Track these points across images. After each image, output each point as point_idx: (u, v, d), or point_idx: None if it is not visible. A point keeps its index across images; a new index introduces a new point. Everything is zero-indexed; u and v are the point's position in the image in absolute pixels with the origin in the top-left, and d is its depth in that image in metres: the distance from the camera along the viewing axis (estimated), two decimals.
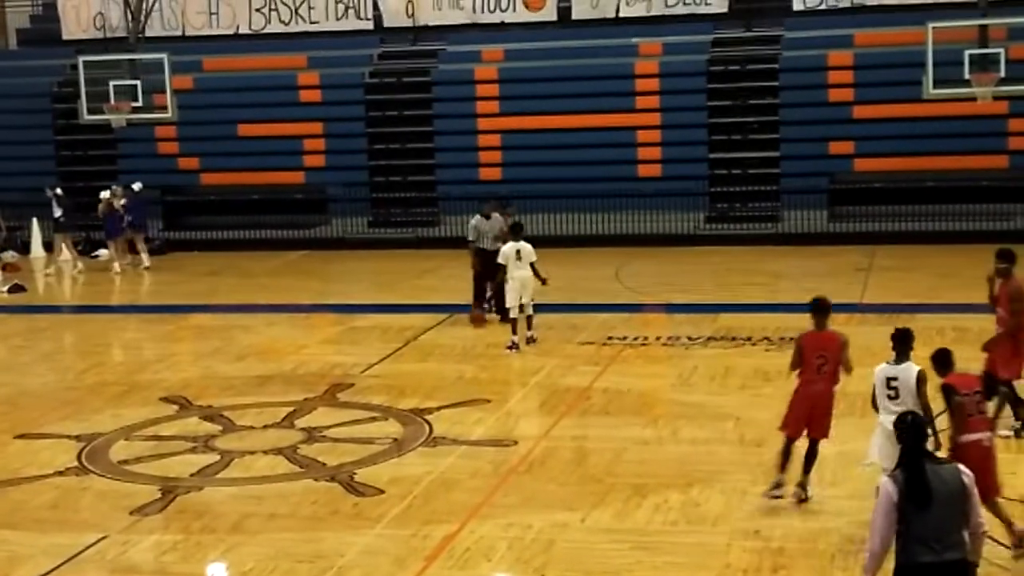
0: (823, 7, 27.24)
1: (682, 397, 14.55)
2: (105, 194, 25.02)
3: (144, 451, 13.21)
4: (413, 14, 28.80)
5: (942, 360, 9.85)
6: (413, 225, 26.61)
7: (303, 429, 13.72)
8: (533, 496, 11.41)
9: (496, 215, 18.85)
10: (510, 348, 16.61)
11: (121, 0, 26.63)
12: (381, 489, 11.65)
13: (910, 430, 7.21)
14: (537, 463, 12.36)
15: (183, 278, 24.33)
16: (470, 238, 18.76)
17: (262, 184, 27.78)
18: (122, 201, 24.83)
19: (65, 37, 29.69)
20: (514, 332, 16.74)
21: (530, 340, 16.88)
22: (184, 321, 20.29)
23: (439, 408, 14.26)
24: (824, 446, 11.14)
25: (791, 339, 16.64)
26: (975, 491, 7.15)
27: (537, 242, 17.53)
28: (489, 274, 18.02)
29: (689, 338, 17.31)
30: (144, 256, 25.19)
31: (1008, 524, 9.52)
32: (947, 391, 9.55)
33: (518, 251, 16.83)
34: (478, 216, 18.86)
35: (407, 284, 21.90)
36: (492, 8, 28.61)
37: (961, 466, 7.26)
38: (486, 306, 18.48)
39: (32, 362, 17.77)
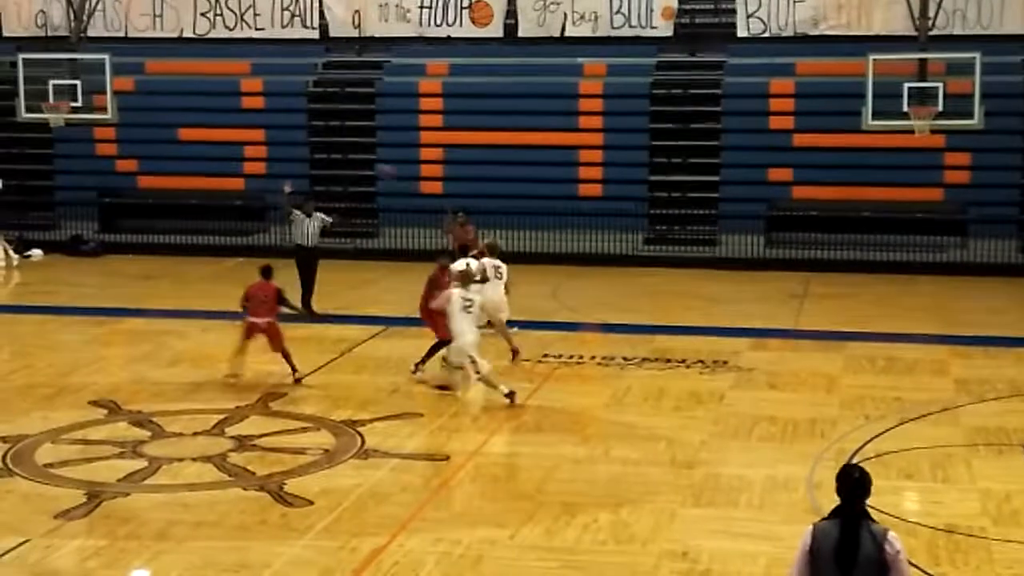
0: (767, 35, 27.50)
1: (615, 417, 14.59)
2: None
3: (71, 455, 13.05)
4: (359, 24, 28.73)
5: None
6: (353, 236, 26.51)
7: (233, 437, 13.62)
8: (463, 511, 11.39)
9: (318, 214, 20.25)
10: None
11: None
12: (311, 500, 11.57)
13: (855, 485, 6.54)
14: (468, 479, 12.35)
15: (117, 281, 24.08)
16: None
17: (201, 189, 27.58)
18: None
19: (5, 34, 29.34)
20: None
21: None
22: (117, 325, 20.08)
23: (372, 420, 14.21)
24: (751, 469, 11.22)
25: (724, 363, 16.93)
26: (902, 564, 6.44)
27: (476, 258, 17.56)
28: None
29: (624, 358, 17.37)
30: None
31: None
32: None
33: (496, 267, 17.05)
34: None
35: (344, 295, 21.81)
36: (439, 22, 28.61)
37: (892, 533, 6.51)
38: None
39: None
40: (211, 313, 20.62)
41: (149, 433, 13.81)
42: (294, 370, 16.00)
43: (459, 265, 16.57)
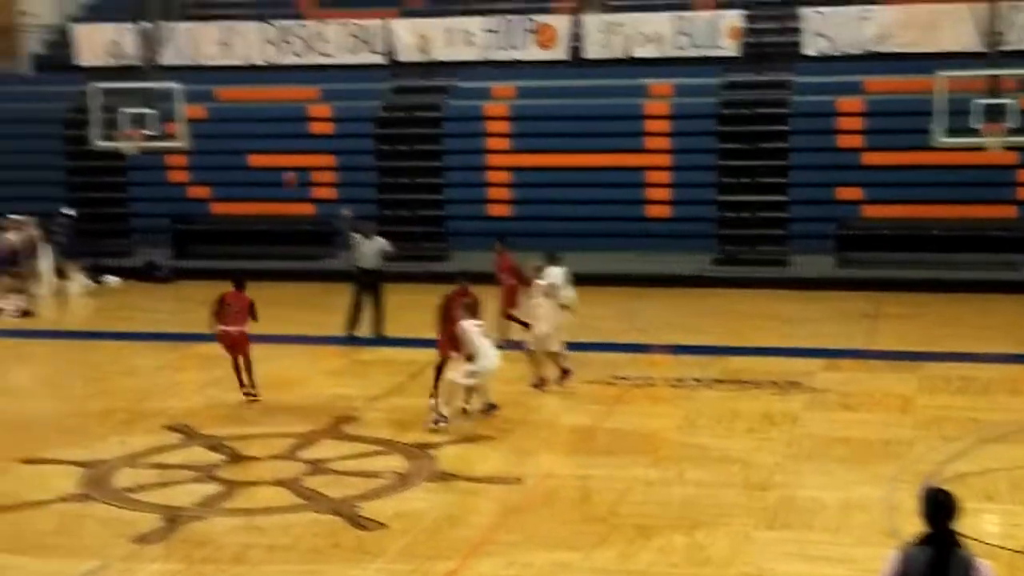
0: (834, 53, 27.38)
1: (687, 438, 14.52)
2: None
3: (148, 479, 13.20)
4: (426, 49, 28.95)
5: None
6: (422, 259, 26.65)
7: (307, 461, 13.71)
8: (535, 534, 11.38)
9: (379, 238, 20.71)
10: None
11: (136, 28, 26.77)
12: (384, 523, 11.63)
13: (941, 508, 6.41)
14: (540, 501, 12.34)
15: (190, 307, 24.29)
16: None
17: (272, 215, 27.86)
18: (16, 234, 24.57)
19: (79, 64, 29.84)
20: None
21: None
22: (190, 350, 20.28)
23: (444, 443, 14.25)
24: (826, 492, 11.12)
25: (797, 384, 16.81)
26: None
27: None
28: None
29: (695, 379, 17.31)
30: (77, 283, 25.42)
31: None
32: None
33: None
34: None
35: (413, 318, 21.87)
36: (504, 45, 28.77)
37: (982, 560, 6.41)
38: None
39: (38, 387, 17.79)
40: (282, 337, 20.79)
41: (224, 457, 13.94)
42: (242, 384, 16.33)
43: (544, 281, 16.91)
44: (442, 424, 14.82)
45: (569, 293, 18.33)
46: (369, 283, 20.58)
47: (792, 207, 26.55)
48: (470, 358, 15.05)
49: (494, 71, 28.82)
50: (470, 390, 15.30)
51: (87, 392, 17.41)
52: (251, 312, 16.55)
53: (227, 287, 16.70)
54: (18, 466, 13.67)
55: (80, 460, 13.74)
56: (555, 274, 17.97)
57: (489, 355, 15.06)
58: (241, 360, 16.44)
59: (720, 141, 27.28)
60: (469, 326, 15.08)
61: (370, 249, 20.65)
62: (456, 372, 15.17)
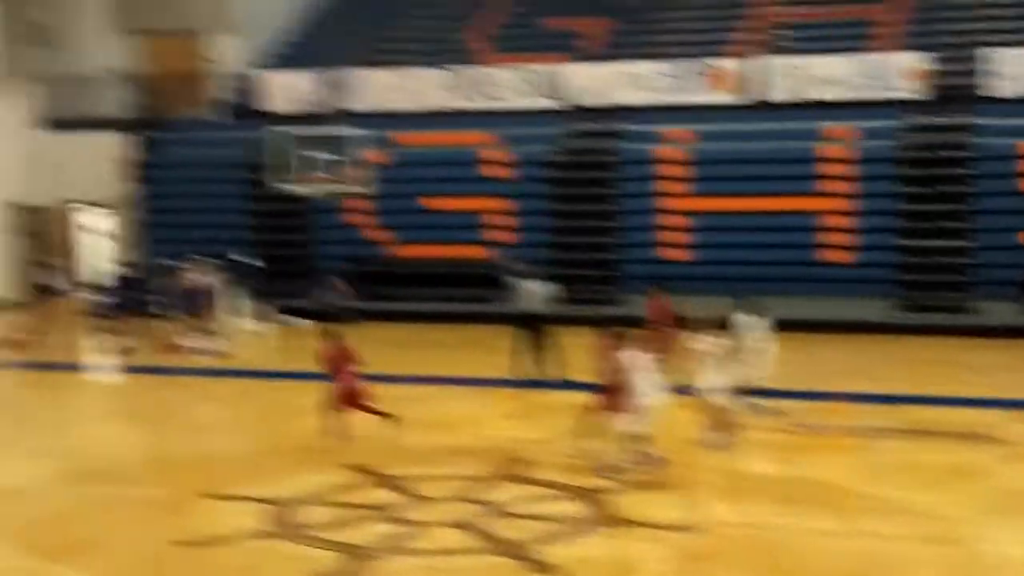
0: (1018, 95, 26.67)
1: (870, 489, 14.22)
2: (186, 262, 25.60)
3: (329, 518, 13.47)
4: (599, 93, 29.11)
5: None
6: (595, 303, 26.68)
7: (484, 503, 13.82)
8: None
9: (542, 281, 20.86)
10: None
11: (320, 76, 27.52)
12: (561, 568, 11.65)
13: None
14: (719, 550, 12.23)
15: (370, 348, 24.72)
16: None
17: (450, 257, 28.26)
18: (205, 276, 25.30)
19: (266, 110, 30.78)
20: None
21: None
22: (370, 390, 20.60)
23: (620, 489, 14.22)
24: (1018, 548, 10.77)
25: (984, 435, 16.32)
26: None
27: (724, 325, 17.37)
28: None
29: (877, 429, 16.95)
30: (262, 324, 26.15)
31: None
32: None
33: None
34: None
35: (586, 362, 21.90)
36: (678, 89, 28.77)
37: None
38: None
39: (223, 425, 18.32)
40: (459, 379, 21.07)
41: (403, 498, 14.14)
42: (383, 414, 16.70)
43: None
44: (614, 474, 14.62)
45: (761, 342, 17.93)
46: (532, 326, 20.69)
47: (975, 252, 25.87)
48: (631, 399, 14.85)
49: (667, 115, 28.81)
50: (638, 436, 15.06)
51: (271, 430, 17.85)
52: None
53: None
54: (204, 502, 14.08)
55: (264, 497, 14.08)
56: (746, 322, 17.70)
57: (649, 395, 14.86)
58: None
59: (901, 184, 26.74)
60: (632, 361, 14.92)
61: (533, 292, 20.76)
62: (621, 419, 15.00)
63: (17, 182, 31.72)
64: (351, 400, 16.74)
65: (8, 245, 31.07)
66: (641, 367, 14.99)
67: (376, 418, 16.84)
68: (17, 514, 14.16)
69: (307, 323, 27.15)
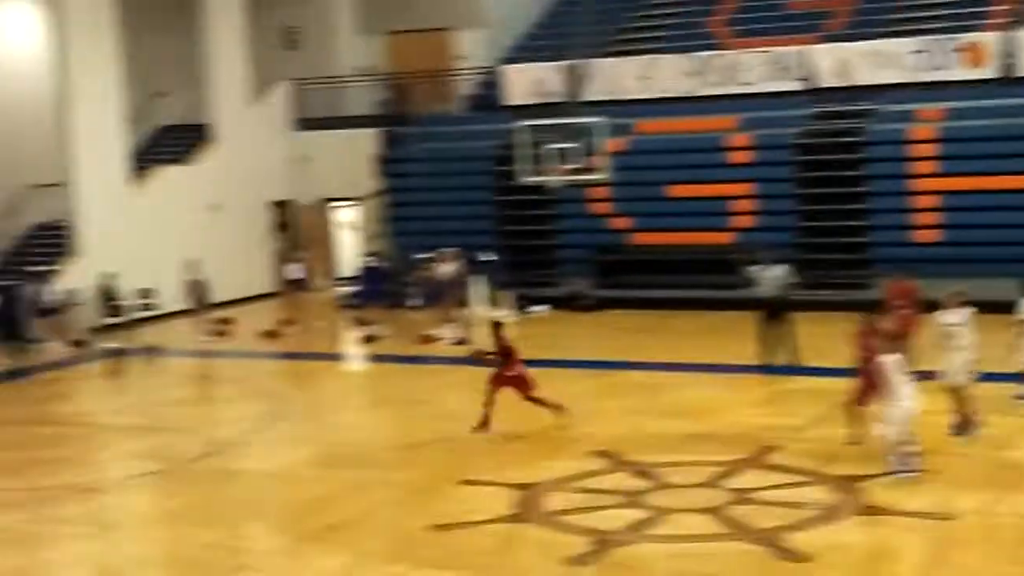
0: None
1: None
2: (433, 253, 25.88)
3: (577, 503, 13.55)
4: (847, 74, 28.39)
5: None
6: (843, 287, 26.06)
7: (732, 490, 13.67)
8: (974, 574, 10.86)
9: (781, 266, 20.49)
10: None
11: (561, 67, 27.67)
12: (812, 556, 11.43)
13: None
14: (980, 539, 11.78)
15: (613, 335, 24.88)
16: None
17: (692, 244, 28.04)
18: (449, 267, 25.55)
19: (508, 103, 31.15)
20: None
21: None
22: (614, 377, 20.69)
23: (872, 476, 13.84)
24: None
25: None
26: None
27: (981, 307, 16.64)
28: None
29: None
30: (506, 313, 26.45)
31: None
32: None
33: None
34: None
35: (835, 347, 21.42)
36: (929, 66, 27.79)
37: None
38: None
39: (472, 411, 18.56)
40: (704, 366, 20.90)
41: (650, 484, 14.11)
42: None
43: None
44: (906, 474, 13.65)
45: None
46: (773, 312, 20.33)
47: None
48: (887, 398, 14.00)
49: (919, 93, 27.87)
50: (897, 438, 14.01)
51: (518, 417, 18.03)
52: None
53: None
54: (457, 487, 14.35)
55: (512, 483, 14.26)
56: None
57: (907, 397, 13.83)
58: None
59: None
60: (887, 363, 14.09)
61: (771, 278, 20.40)
62: (879, 424, 14.17)
63: (277, 182, 32.98)
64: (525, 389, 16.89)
65: (268, 242, 32.32)
66: (899, 368, 14.01)
67: (626, 406, 16.87)
68: (274, 498, 14.74)
69: (545, 310, 27.44)
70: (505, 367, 16.99)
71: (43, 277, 26.01)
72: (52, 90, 28.18)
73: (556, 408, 16.95)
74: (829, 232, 27.45)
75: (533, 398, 16.97)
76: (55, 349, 25.33)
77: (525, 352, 22.60)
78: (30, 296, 25.48)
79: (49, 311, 25.62)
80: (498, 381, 16.92)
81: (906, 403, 13.77)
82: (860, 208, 27.26)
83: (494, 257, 27.44)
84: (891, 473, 13.63)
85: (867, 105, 28.41)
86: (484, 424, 16.70)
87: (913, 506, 12.78)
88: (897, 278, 19.66)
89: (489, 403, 16.78)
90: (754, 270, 20.68)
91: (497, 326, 17.57)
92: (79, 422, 20.01)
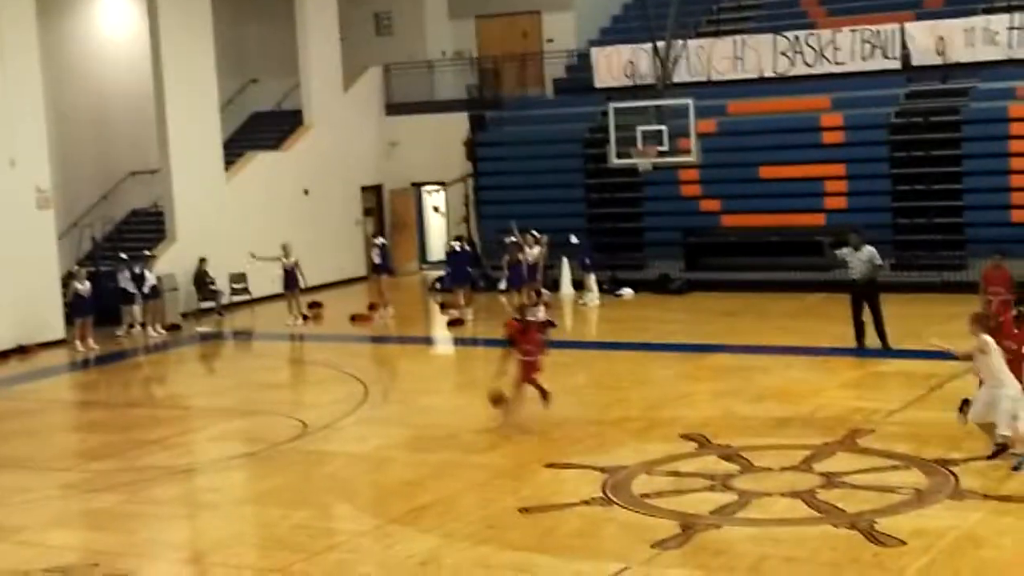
0: None
1: None
2: (519, 236, 25.80)
3: (664, 486, 13.50)
4: (944, 51, 27.88)
5: None
6: (938, 268, 25.66)
7: (822, 474, 13.54)
8: None
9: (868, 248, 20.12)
10: None
11: (650, 49, 27.51)
12: (903, 540, 11.29)
13: None
14: None
15: (702, 318, 24.72)
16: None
17: (782, 226, 27.76)
18: (536, 250, 25.49)
19: (597, 85, 31.04)
20: None
21: None
22: (703, 360, 20.57)
23: (965, 460, 13.62)
24: None
25: None
26: None
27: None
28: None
29: None
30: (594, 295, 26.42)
31: None
32: None
33: None
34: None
35: (932, 329, 21.09)
36: None
37: None
38: None
39: (560, 395, 18.56)
40: (794, 349, 20.71)
41: (738, 467, 14.02)
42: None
43: None
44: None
45: None
46: (867, 295, 20.05)
47: None
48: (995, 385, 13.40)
49: (1017, 70, 27.29)
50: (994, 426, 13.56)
51: (605, 400, 18.05)
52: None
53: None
54: (544, 470, 14.38)
55: (600, 465, 14.25)
56: None
57: (1012, 383, 13.37)
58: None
59: None
60: (991, 343, 13.55)
61: (859, 261, 20.08)
62: (999, 418, 13.37)
63: (368, 167, 33.20)
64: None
65: (361, 226, 32.56)
66: (998, 355, 13.45)
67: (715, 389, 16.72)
68: (364, 480, 14.88)
69: (632, 293, 27.35)
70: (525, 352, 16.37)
71: (139, 262, 26.45)
72: (148, 78, 28.60)
73: (545, 397, 16.51)
74: (924, 212, 27.02)
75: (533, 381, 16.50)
76: (150, 333, 25.77)
77: (613, 335, 22.64)
78: (126, 281, 25.92)
79: (145, 295, 26.06)
80: (526, 371, 16.41)
81: (1010, 390, 13.34)
82: (956, 188, 26.80)
83: (580, 240, 27.37)
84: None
85: (964, 83, 27.90)
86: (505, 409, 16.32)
87: (1006, 490, 12.56)
88: (994, 263, 19.26)
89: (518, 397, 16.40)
90: (843, 252, 20.43)
91: (523, 309, 17.41)
92: (174, 405, 20.36)
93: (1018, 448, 13.23)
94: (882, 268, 20.70)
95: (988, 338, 13.49)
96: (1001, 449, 13.44)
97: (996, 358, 13.44)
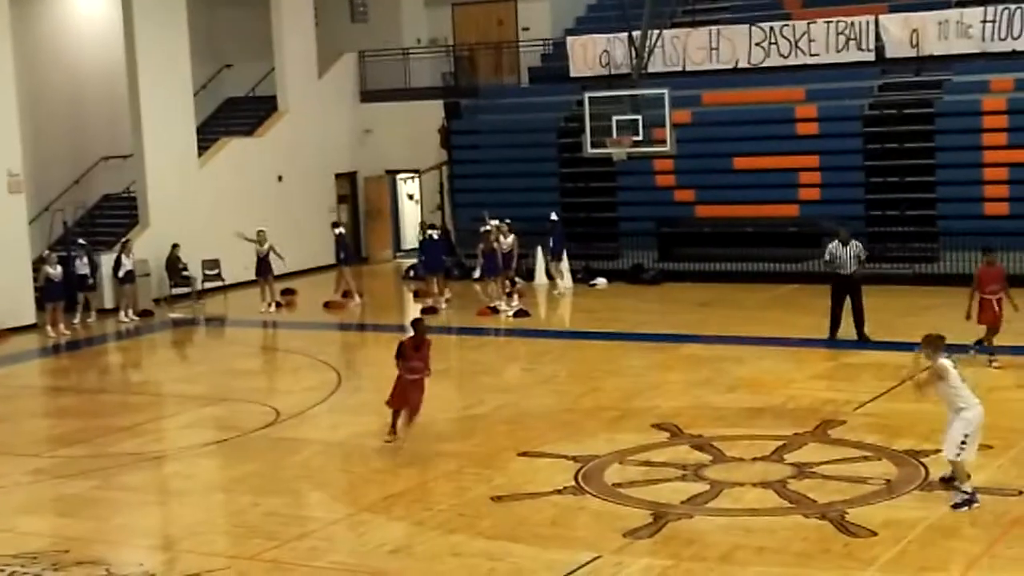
0: None
1: None
2: (493, 225, 25.61)
3: (636, 475, 13.55)
4: (917, 44, 27.97)
5: None
6: (911, 261, 25.77)
7: (793, 464, 13.61)
8: None
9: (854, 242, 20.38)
10: None
11: (625, 38, 27.51)
12: (874, 531, 11.36)
13: None
14: None
15: (675, 308, 24.77)
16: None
17: (756, 216, 27.83)
18: (511, 238, 25.45)
19: (572, 74, 30.99)
20: None
21: None
22: (676, 351, 20.61)
23: (936, 451, 13.68)
24: None
25: None
26: None
27: None
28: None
29: None
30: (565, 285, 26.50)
31: None
32: None
33: None
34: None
35: (901, 321, 21.21)
36: (1003, 35, 27.31)
37: None
38: None
39: (533, 384, 18.64)
40: (766, 340, 20.77)
41: (710, 457, 14.07)
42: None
43: None
44: (972, 505, 11.94)
45: None
46: (842, 285, 20.17)
47: None
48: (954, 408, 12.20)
49: (992, 64, 27.40)
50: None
51: (579, 389, 18.07)
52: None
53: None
54: (517, 459, 14.39)
55: (573, 455, 14.28)
56: None
57: (973, 404, 12.18)
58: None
59: None
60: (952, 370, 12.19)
61: (840, 251, 20.18)
62: (947, 443, 12.23)
63: (342, 154, 33.09)
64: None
65: (334, 214, 32.44)
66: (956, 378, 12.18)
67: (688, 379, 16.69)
68: (336, 468, 14.86)
69: (605, 283, 27.36)
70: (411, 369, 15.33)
71: (111, 248, 26.26)
72: (122, 62, 28.42)
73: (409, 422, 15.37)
74: (897, 205, 27.13)
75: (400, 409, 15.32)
76: (122, 319, 25.65)
77: (587, 324, 22.67)
78: (83, 267, 25.67)
79: (120, 280, 25.91)
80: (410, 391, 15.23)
81: (972, 414, 12.18)
82: (929, 181, 26.92)
83: (555, 226, 27.37)
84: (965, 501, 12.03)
85: (938, 76, 28.00)
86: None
87: (977, 481, 12.61)
88: (987, 261, 19.14)
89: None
90: (830, 247, 20.38)
91: (417, 322, 16.20)
92: (145, 391, 20.27)
93: (962, 482, 12.08)
94: (862, 259, 20.67)
95: (946, 362, 12.19)
96: (949, 479, 12.42)
97: (955, 381, 12.16)
